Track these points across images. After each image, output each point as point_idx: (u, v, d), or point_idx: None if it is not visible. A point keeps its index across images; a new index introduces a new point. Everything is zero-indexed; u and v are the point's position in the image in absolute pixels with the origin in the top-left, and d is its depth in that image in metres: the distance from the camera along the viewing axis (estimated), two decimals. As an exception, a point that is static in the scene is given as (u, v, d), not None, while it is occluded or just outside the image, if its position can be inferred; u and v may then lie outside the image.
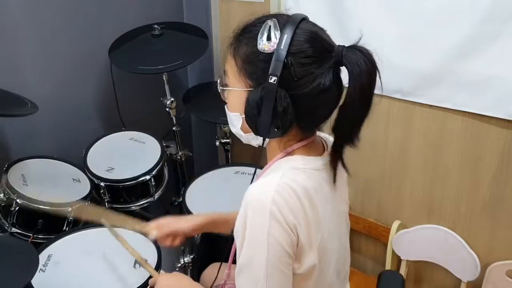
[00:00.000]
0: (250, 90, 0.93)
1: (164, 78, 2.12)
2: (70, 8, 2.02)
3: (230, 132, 2.24)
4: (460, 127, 1.70)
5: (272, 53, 0.88)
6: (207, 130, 2.57)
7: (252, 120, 0.92)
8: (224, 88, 1.00)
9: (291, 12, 0.97)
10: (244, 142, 1.04)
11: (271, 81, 0.88)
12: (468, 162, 1.71)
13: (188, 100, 2.23)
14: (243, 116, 0.95)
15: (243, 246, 0.91)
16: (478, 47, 1.55)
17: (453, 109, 1.69)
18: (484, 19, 1.51)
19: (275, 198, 0.88)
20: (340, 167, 1.01)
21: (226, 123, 2.11)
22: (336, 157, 0.97)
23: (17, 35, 1.90)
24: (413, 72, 1.72)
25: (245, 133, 1.00)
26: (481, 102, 1.60)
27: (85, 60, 2.12)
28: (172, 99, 2.15)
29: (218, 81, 1.03)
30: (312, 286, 0.96)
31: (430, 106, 1.74)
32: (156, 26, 2.12)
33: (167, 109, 2.17)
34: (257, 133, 0.95)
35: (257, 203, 0.90)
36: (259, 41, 0.90)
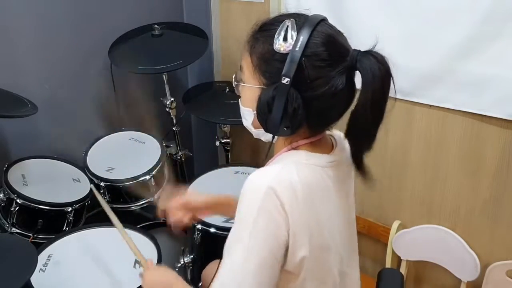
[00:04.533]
0: (263, 87, 0.95)
1: (164, 78, 2.12)
2: (70, 8, 2.02)
3: (230, 132, 2.25)
4: (460, 127, 1.70)
5: (287, 54, 0.90)
6: (207, 130, 2.57)
7: (263, 118, 0.94)
8: (239, 84, 1.02)
9: (310, 12, 0.98)
10: (254, 137, 1.06)
11: (284, 82, 0.89)
12: (468, 162, 1.71)
13: (188, 100, 2.23)
14: (255, 112, 0.97)
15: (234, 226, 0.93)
16: (478, 47, 1.55)
17: (453, 109, 1.69)
18: (484, 19, 1.51)
19: (271, 185, 0.89)
20: (349, 166, 1.03)
21: (226, 123, 2.14)
22: (357, 165, 1.00)
23: (17, 35, 1.90)
24: (413, 72, 1.72)
25: (255, 128, 1.02)
26: (481, 102, 1.60)
27: (85, 60, 2.12)
28: (172, 99, 2.15)
29: (234, 76, 1.04)
30: (303, 282, 0.96)
31: (430, 106, 1.74)
32: (156, 26, 2.12)
33: (167, 109, 2.17)
34: (266, 130, 0.97)
35: (252, 187, 0.92)
36: (275, 40, 0.92)
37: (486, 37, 1.52)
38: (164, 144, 2.09)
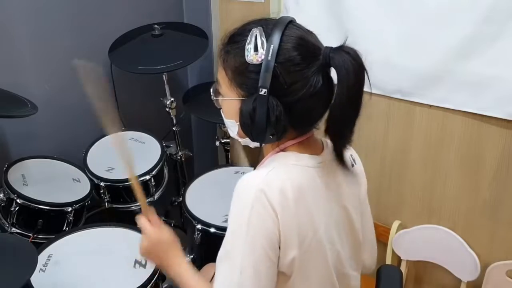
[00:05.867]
0: (242, 99, 0.95)
1: (164, 78, 2.12)
2: (70, 8, 2.02)
3: (230, 132, 2.25)
4: (460, 127, 1.70)
5: (260, 64, 0.90)
6: (207, 130, 2.57)
7: (247, 129, 0.95)
8: (217, 98, 1.03)
9: (279, 14, 0.98)
10: (242, 144, 1.06)
11: (262, 93, 0.90)
12: (468, 162, 1.71)
13: (188, 100, 2.23)
14: (238, 123, 0.97)
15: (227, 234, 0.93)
16: (478, 47, 1.55)
17: (453, 109, 1.69)
18: (484, 19, 1.51)
19: (260, 187, 0.89)
20: (343, 169, 1.03)
21: (226, 123, 2.13)
22: (339, 160, 0.99)
23: (17, 36, 1.90)
24: (413, 72, 1.72)
25: (241, 138, 1.03)
26: (481, 102, 1.60)
27: (85, 60, 2.12)
28: (172, 99, 2.15)
29: (211, 90, 1.05)
30: (294, 283, 0.96)
31: (430, 106, 1.74)
32: (156, 26, 2.12)
33: (167, 109, 2.17)
34: (253, 140, 0.98)
35: (242, 192, 0.92)
36: (246, 52, 0.92)
37: (486, 37, 1.52)
38: (164, 144, 2.09)
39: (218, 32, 2.46)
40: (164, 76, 2.11)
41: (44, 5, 1.93)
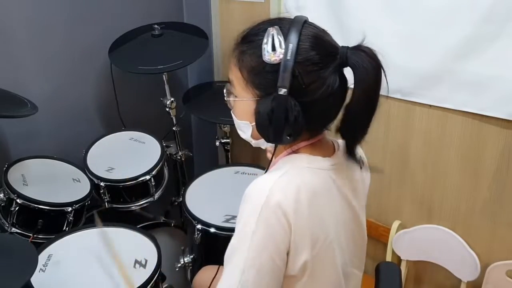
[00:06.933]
0: (258, 99, 0.93)
1: (164, 78, 2.12)
2: (70, 8, 2.02)
3: (230, 132, 2.25)
4: (460, 127, 1.70)
5: (278, 64, 0.88)
6: (207, 130, 2.57)
7: (264, 130, 0.93)
8: (231, 99, 1.00)
9: (292, 14, 0.97)
10: (253, 146, 1.05)
11: (281, 93, 0.88)
12: (468, 162, 1.72)
13: (188, 100, 2.23)
14: (253, 124, 0.95)
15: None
16: (478, 47, 1.55)
17: (453, 109, 1.69)
18: (484, 19, 1.51)
19: (272, 194, 0.88)
20: (353, 169, 1.03)
21: (226, 123, 2.14)
22: (352, 158, 1.00)
23: (17, 35, 1.90)
24: (413, 72, 1.72)
25: (255, 139, 1.01)
26: (481, 102, 1.60)
27: (85, 60, 2.12)
28: (172, 99, 2.15)
29: (224, 91, 1.02)
30: (307, 284, 0.96)
31: (430, 106, 1.75)
32: (156, 26, 2.11)
33: (167, 109, 2.17)
34: (269, 141, 0.95)
35: (252, 197, 0.90)
36: (263, 52, 0.89)
37: (486, 37, 1.52)
38: (164, 144, 2.09)
39: (218, 32, 2.46)
40: (164, 76, 2.11)
41: (44, 5, 1.93)
